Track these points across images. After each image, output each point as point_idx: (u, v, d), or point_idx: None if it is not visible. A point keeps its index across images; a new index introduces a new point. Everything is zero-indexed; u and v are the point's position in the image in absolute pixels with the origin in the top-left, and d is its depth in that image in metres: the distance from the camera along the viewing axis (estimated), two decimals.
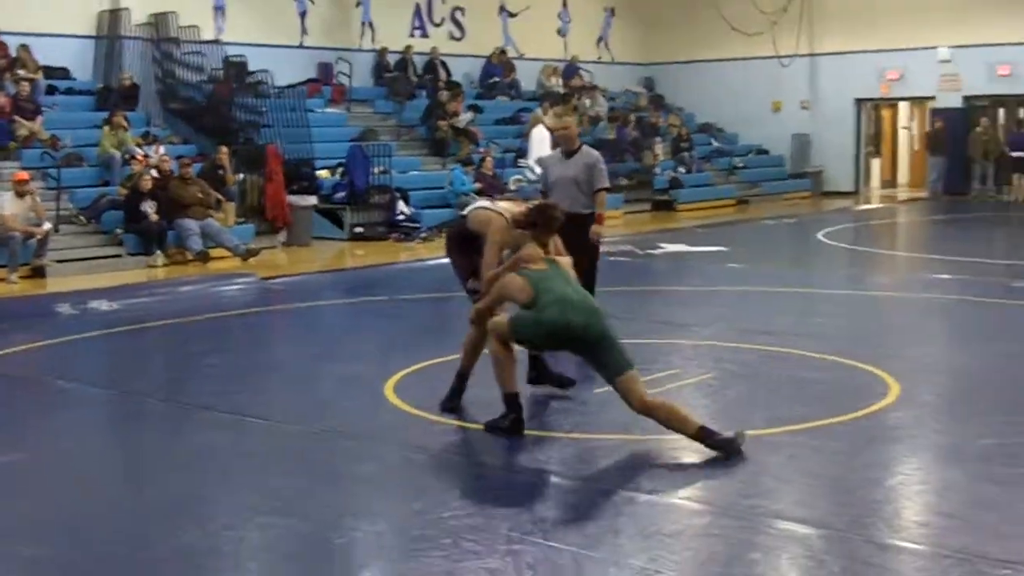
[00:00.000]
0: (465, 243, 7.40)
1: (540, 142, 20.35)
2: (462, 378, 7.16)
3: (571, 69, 26.53)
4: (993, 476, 5.64)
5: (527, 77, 25.56)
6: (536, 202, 7.28)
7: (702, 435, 6.01)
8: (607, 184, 9.09)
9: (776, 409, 7.10)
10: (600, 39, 28.74)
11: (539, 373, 7.56)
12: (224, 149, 16.79)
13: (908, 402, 7.13)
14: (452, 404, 7.06)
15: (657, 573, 4.44)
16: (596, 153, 9.28)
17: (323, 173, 18.76)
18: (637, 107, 27.41)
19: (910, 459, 6.18)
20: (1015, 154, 24.70)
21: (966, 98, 26.13)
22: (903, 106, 30.55)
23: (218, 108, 18.98)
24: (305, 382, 8.36)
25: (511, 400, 6.49)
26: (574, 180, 8.95)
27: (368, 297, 12.75)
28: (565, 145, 9.13)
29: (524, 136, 21.94)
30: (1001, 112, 26.31)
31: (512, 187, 20.85)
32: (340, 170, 18.79)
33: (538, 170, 14.02)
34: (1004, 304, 11.27)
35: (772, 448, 6.24)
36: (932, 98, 26.88)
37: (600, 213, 9.07)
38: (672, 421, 6.12)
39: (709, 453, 6.25)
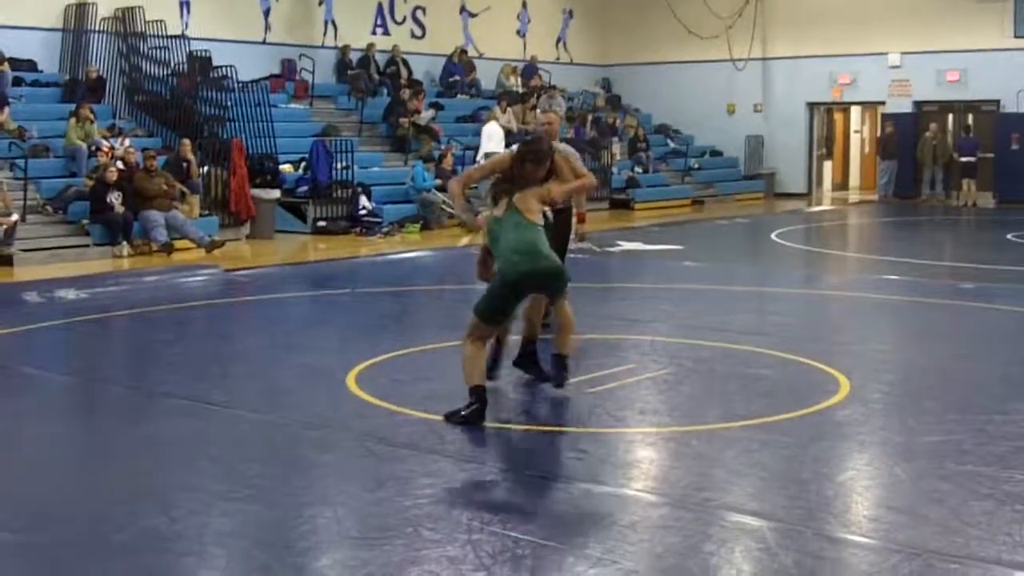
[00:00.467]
0: None
1: (489, 137, 20.76)
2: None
3: (530, 69, 26.66)
4: (942, 472, 5.77)
5: (487, 76, 25.66)
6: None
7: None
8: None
9: (730, 405, 7.25)
10: (559, 40, 28.89)
11: (525, 360, 7.72)
12: (187, 142, 16.78)
13: (858, 399, 7.30)
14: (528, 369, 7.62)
15: (613, 563, 4.54)
16: (572, 149, 9.30)
17: (286, 167, 18.83)
18: (595, 107, 27.58)
19: (861, 455, 6.33)
20: (964, 159, 25.09)
21: (916, 103, 26.53)
22: (855, 110, 30.95)
23: (183, 102, 18.98)
24: (268, 372, 8.42)
25: (478, 391, 6.62)
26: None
27: (330, 290, 12.81)
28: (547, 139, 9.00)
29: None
30: (950, 118, 26.72)
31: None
32: (303, 165, 18.86)
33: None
34: (952, 305, 11.51)
35: (726, 443, 6.38)
36: (883, 103, 27.27)
37: (581, 211, 9.31)
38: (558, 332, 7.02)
39: (664, 445, 6.41)
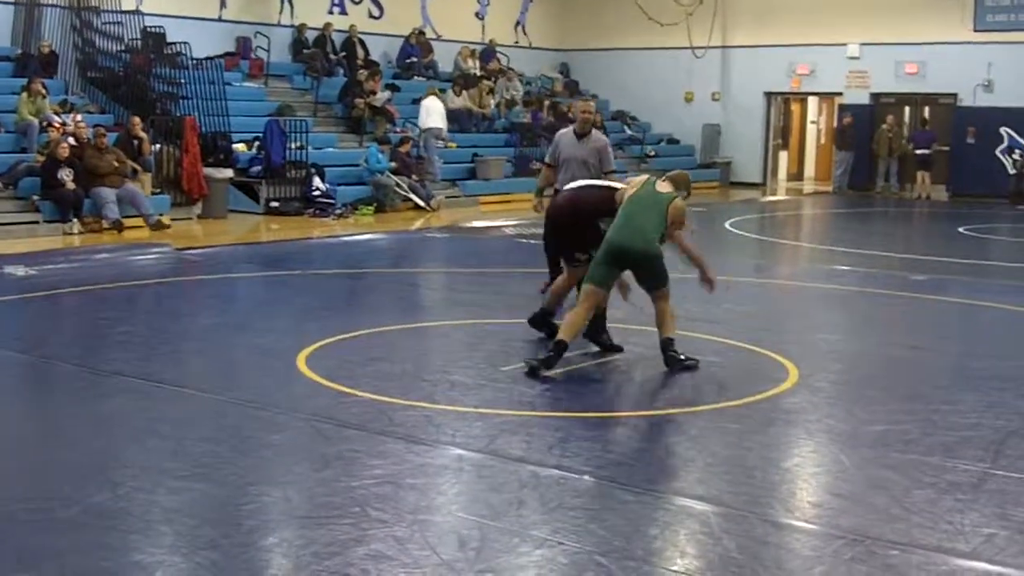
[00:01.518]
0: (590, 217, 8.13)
1: (428, 112, 21.04)
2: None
3: (488, 52, 26.61)
4: (886, 460, 5.84)
5: (445, 58, 25.58)
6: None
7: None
8: (614, 167, 9.68)
9: (680, 391, 7.30)
10: (518, 23, 28.86)
11: (594, 331, 8.21)
12: (137, 119, 16.61)
13: (806, 387, 7.37)
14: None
15: (559, 544, 4.57)
16: (605, 138, 9.87)
17: (240, 147, 18.69)
18: (552, 92, 27.58)
19: (807, 442, 6.39)
20: (919, 152, 25.33)
21: (873, 95, 26.70)
22: (812, 101, 31.12)
23: (136, 78, 18.79)
24: (219, 352, 8.39)
25: (560, 345, 7.41)
26: (584, 161, 9.46)
27: (282, 271, 12.75)
28: (580, 127, 9.56)
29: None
30: (907, 110, 26.95)
31: (430, 169, 20.95)
32: (257, 144, 18.72)
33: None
34: (903, 296, 11.63)
35: (675, 428, 6.44)
36: (840, 94, 27.42)
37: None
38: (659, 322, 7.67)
39: (613, 430, 6.44)
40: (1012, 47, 24.35)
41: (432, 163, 20.83)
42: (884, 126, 25.98)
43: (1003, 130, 24.72)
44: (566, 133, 9.78)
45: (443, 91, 23.65)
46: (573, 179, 9.06)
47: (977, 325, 10.33)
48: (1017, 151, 24.48)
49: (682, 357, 7.61)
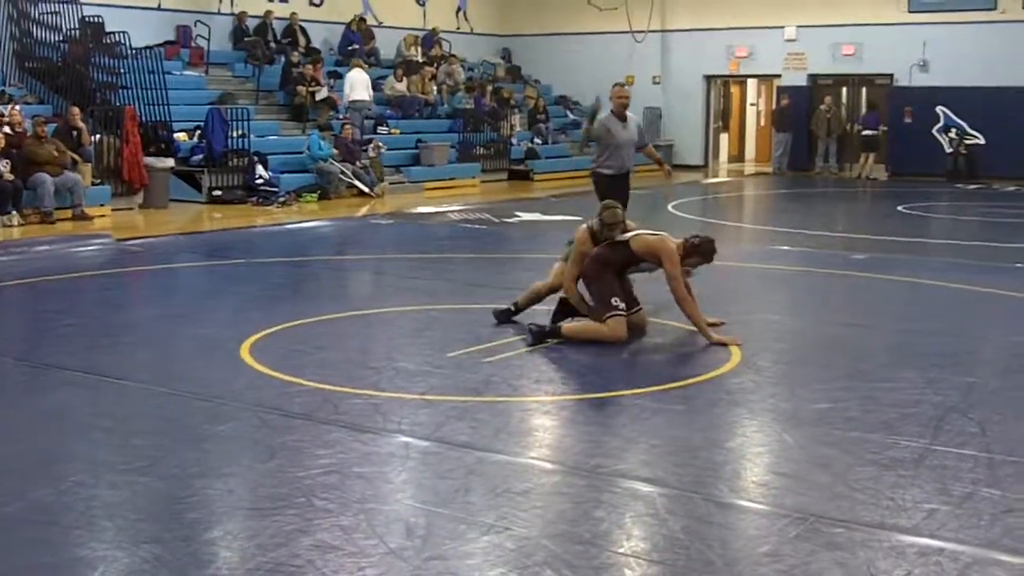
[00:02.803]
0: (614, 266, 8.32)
1: (351, 84, 21.23)
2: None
3: (430, 39, 26.52)
4: (829, 439, 5.89)
5: (387, 45, 25.45)
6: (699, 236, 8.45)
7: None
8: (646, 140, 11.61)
9: (624, 373, 7.34)
10: (459, 9, 28.78)
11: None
12: (75, 110, 16.39)
13: (749, 367, 7.42)
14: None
15: (506, 530, 4.57)
16: (637, 118, 11.56)
17: (181, 136, 18.52)
18: (495, 78, 27.55)
19: (750, 422, 6.44)
20: (866, 133, 25.60)
21: (811, 76, 26.95)
22: (751, 83, 31.37)
23: (74, 68, 18.53)
24: (161, 343, 8.30)
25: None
26: (632, 142, 11.24)
27: (225, 260, 12.64)
28: (620, 111, 11.17)
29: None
30: (845, 91, 27.23)
31: (372, 154, 20.85)
32: (198, 133, 18.55)
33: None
34: (843, 275, 11.74)
35: (618, 410, 6.46)
36: (778, 76, 27.66)
37: (660, 158, 12.52)
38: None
39: (558, 414, 6.46)
40: (946, 27, 24.68)
41: (359, 137, 20.61)
42: (822, 107, 26.25)
43: (939, 109, 25.05)
44: (611, 118, 11.12)
45: (384, 78, 23.59)
46: (628, 160, 11.05)
47: (917, 302, 10.46)
48: (953, 130, 24.82)
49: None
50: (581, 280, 8.38)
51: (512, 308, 8.75)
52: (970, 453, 5.64)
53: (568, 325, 8.21)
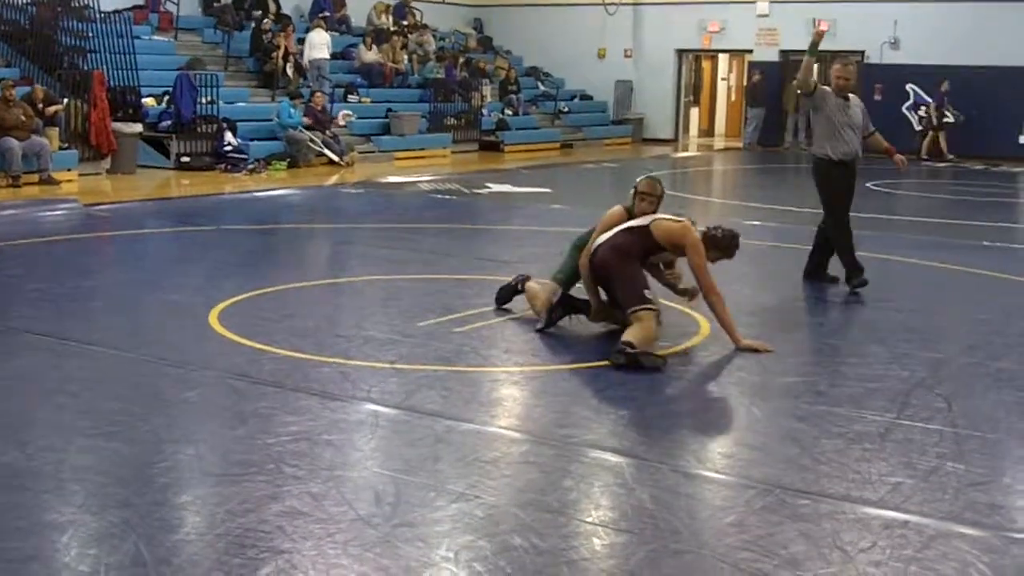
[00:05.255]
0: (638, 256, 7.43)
1: (311, 45, 21.39)
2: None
3: (401, 8, 26.38)
4: (796, 412, 5.95)
5: (358, 13, 25.30)
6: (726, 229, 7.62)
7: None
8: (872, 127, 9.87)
9: (593, 344, 7.35)
10: None
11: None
12: (39, 89, 16.11)
13: (717, 341, 7.45)
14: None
15: (476, 498, 4.59)
16: (862, 104, 9.87)
17: (149, 101, 18.37)
18: (466, 48, 27.45)
19: (718, 394, 6.49)
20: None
21: (783, 52, 27.01)
22: (722, 58, 31.41)
23: (42, 32, 18.29)
24: (129, 309, 8.25)
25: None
26: (859, 125, 9.59)
27: (193, 227, 12.57)
28: (844, 91, 9.52)
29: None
30: (816, 68, 27.23)
31: (341, 122, 20.76)
32: (166, 98, 18.39)
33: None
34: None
35: (588, 381, 6.48)
36: (750, 51, 27.71)
37: (891, 147, 10.01)
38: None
39: (528, 384, 6.48)
40: (917, 5, 24.79)
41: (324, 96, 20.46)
42: (792, 83, 26.28)
43: (909, 87, 25.16)
44: (829, 94, 9.48)
45: (354, 46, 23.48)
46: (851, 145, 9.49)
47: (885, 278, 10.50)
48: (923, 107, 24.94)
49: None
50: (600, 273, 7.38)
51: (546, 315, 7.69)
52: (936, 428, 5.70)
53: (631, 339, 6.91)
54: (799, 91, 9.83)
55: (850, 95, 9.54)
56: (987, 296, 9.64)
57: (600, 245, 7.40)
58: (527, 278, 8.13)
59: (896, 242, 12.36)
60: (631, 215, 7.62)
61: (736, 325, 7.31)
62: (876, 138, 9.93)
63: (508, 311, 8.09)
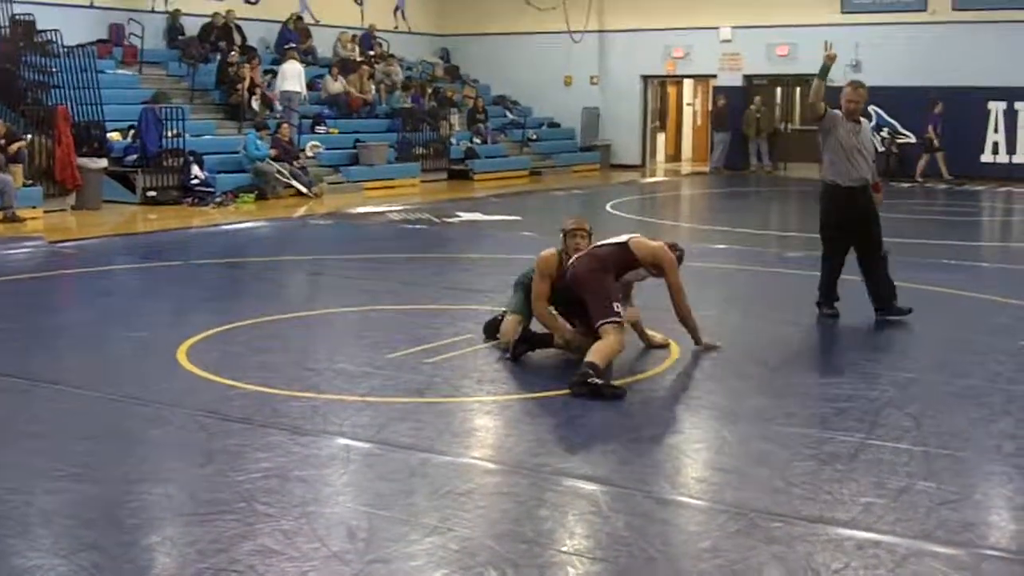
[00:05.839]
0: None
1: (283, 74, 21.44)
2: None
3: (368, 38, 26.43)
4: (767, 434, 5.96)
5: (324, 44, 25.32)
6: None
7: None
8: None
9: (564, 372, 7.33)
10: (397, 8, 28.70)
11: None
12: (2, 124, 15.99)
13: (687, 364, 7.48)
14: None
15: (450, 531, 4.57)
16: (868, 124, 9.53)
17: (114, 135, 18.28)
18: (433, 77, 27.51)
19: (689, 418, 6.50)
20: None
21: (746, 77, 27.21)
22: (687, 83, 31.60)
23: (5, 67, 18.21)
24: (97, 347, 8.19)
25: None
26: (869, 150, 9.26)
27: (161, 262, 12.51)
28: (853, 115, 9.24)
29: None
30: (779, 91, 27.53)
31: (309, 153, 20.75)
32: (132, 132, 18.32)
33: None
34: (778, 273, 11.88)
35: (559, 409, 6.47)
36: (714, 76, 27.90)
37: (878, 182, 9.44)
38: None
39: (500, 414, 6.47)
40: (878, 28, 25.02)
41: (292, 128, 20.48)
42: (752, 107, 26.57)
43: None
44: (839, 117, 9.20)
45: (321, 77, 23.49)
46: (861, 170, 9.05)
47: (850, 300, 10.55)
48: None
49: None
50: (574, 287, 7.40)
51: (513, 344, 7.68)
52: (905, 447, 5.73)
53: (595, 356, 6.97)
54: (810, 115, 9.59)
55: (861, 119, 9.35)
56: (951, 314, 9.72)
57: (575, 262, 7.46)
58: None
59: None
60: (563, 257, 7.64)
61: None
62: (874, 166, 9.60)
63: (475, 341, 8.07)
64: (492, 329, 8.08)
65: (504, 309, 8.11)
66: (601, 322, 7.09)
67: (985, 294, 10.43)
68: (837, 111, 9.23)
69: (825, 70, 9.11)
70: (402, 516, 4.73)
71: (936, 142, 23.96)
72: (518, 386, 7.07)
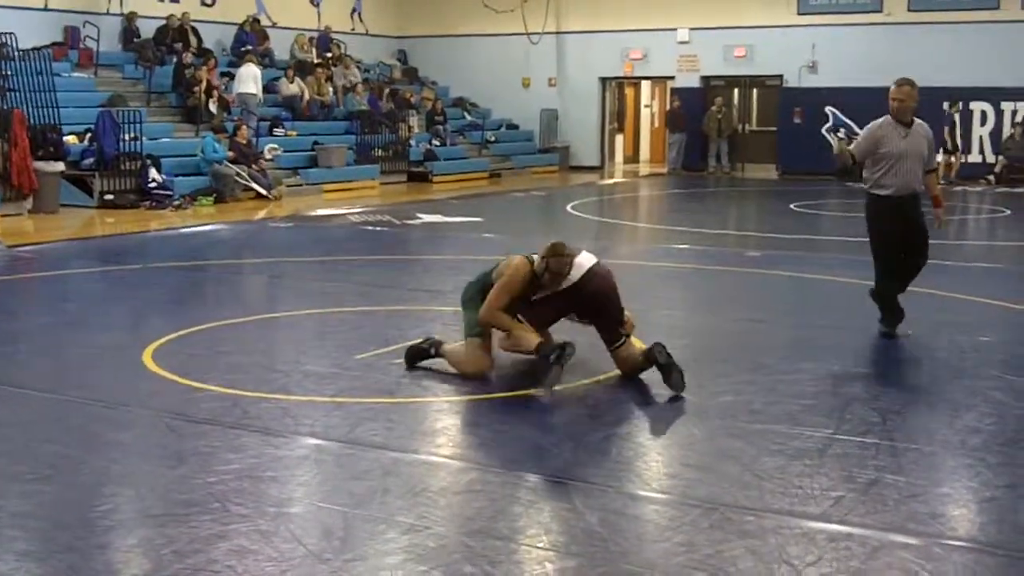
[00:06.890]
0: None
1: (240, 78, 21.41)
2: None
3: (324, 40, 26.35)
4: (735, 430, 6.02)
5: (280, 46, 25.23)
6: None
7: None
8: (934, 164, 8.55)
9: (532, 371, 7.35)
10: (354, 10, 28.63)
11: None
12: None
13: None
14: None
15: (426, 529, 4.58)
16: (929, 128, 8.49)
17: (71, 139, 18.13)
18: (391, 79, 27.48)
19: (658, 416, 6.54)
20: None
21: (704, 78, 27.40)
22: (645, 85, 31.76)
23: None
24: (60, 351, 8.11)
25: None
26: (920, 155, 8.26)
27: (120, 265, 12.41)
28: (901, 116, 8.26)
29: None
30: (736, 92, 27.74)
31: (267, 156, 20.66)
32: (88, 136, 18.17)
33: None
34: (738, 272, 11.97)
35: (530, 408, 6.50)
36: (672, 78, 28.06)
37: (938, 195, 8.65)
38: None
39: (470, 413, 6.49)
40: (834, 29, 25.29)
41: (250, 130, 20.40)
42: (713, 108, 26.74)
43: (828, 109, 25.61)
44: (887, 125, 8.25)
45: (278, 79, 23.41)
46: (907, 175, 8.16)
47: (812, 298, 10.70)
48: (842, 129, 25.36)
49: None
50: (594, 301, 7.13)
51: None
52: (872, 441, 5.80)
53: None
54: (846, 171, 8.44)
55: (915, 120, 8.30)
56: (915, 312, 9.81)
57: (593, 277, 7.08)
58: (440, 343, 7.39)
59: (820, 261, 12.56)
60: (535, 282, 7.13)
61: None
62: (931, 178, 8.52)
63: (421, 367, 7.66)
64: (414, 358, 7.36)
65: (426, 338, 7.48)
66: (618, 344, 7.13)
67: (947, 292, 10.56)
68: (881, 118, 8.39)
69: (841, 157, 8.31)
70: (378, 515, 4.74)
71: (949, 144, 23.76)
72: (487, 386, 7.08)
